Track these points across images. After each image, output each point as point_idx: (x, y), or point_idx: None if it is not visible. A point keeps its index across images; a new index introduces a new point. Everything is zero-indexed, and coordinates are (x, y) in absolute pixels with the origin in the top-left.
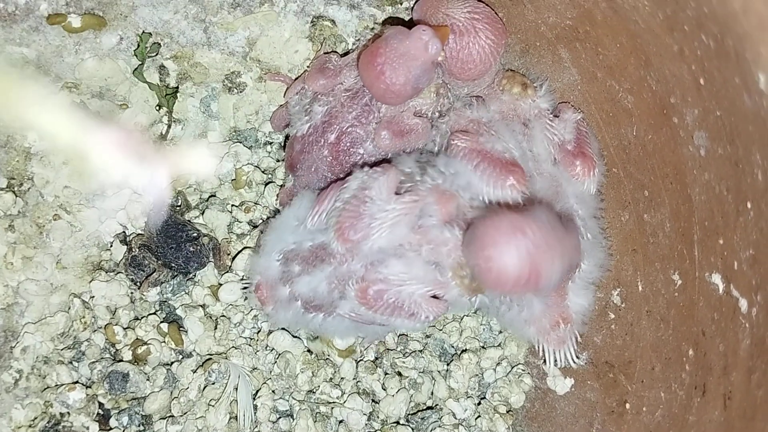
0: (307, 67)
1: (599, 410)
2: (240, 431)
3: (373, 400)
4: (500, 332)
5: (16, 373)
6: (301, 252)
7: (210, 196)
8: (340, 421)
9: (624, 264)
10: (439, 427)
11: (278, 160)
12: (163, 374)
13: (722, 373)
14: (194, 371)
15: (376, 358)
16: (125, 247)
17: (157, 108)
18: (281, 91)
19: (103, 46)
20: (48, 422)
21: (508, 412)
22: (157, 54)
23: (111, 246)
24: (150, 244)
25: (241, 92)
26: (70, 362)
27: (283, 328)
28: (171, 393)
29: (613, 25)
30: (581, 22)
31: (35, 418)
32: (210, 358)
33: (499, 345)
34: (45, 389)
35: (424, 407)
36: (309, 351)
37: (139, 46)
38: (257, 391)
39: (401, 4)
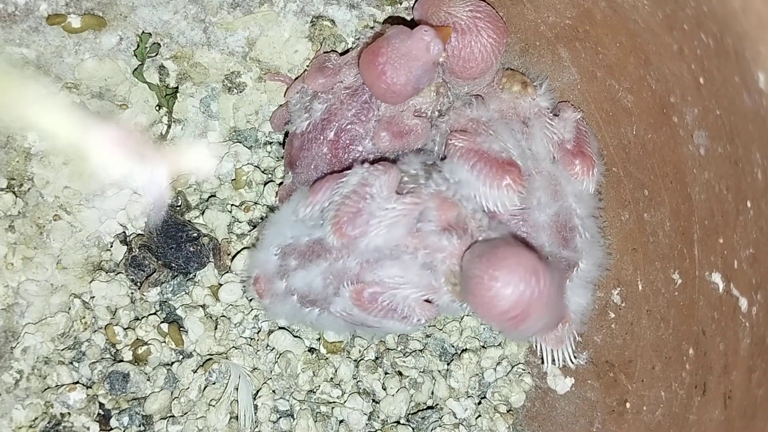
0: (307, 66)
1: (599, 409)
2: (240, 431)
3: (373, 400)
4: (500, 332)
5: (16, 373)
6: (299, 247)
7: (210, 196)
8: (341, 421)
9: (624, 263)
10: (440, 426)
11: (278, 159)
12: (163, 374)
13: (722, 372)
14: (195, 371)
15: (377, 358)
16: (125, 247)
17: (157, 108)
18: (281, 91)
19: (103, 47)
20: (48, 423)
21: (508, 411)
22: (156, 54)
23: (111, 246)
24: (150, 244)
25: (240, 92)
26: (71, 362)
27: (283, 328)
28: (171, 393)
29: (612, 24)
30: (581, 21)
31: (36, 419)
32: (210, 358)
33: (499, 344)
34: (45, 390)
35: (425, 407)
36: (310, 351)
37: (138, 46)
38: (258, 391)
39: (401, 3)
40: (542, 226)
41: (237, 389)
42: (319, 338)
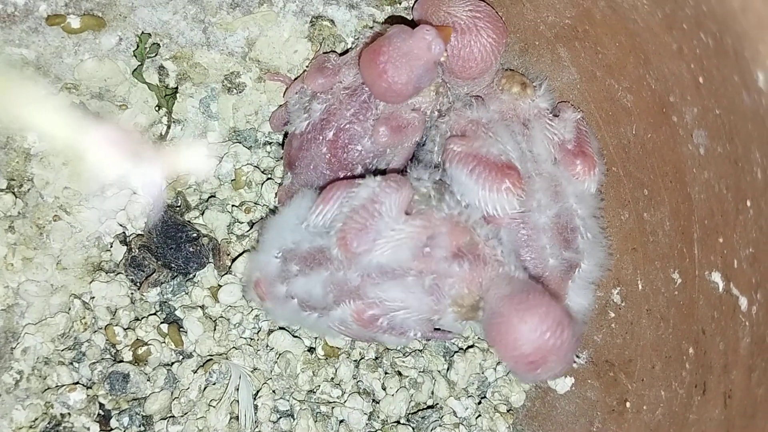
0: (307, 67)
1: (600, 409)
2: (241, 431)
3: (373, 400)
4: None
5: (16, 374)
6: (300, 252)
7: (210, 197)
8: (341, 421)
9: (624, 263)
10: (440, 426)
11: (278, 160)
12: (163, 375)
13: (722, 372)
14: (195, 371)
15: (376, 358)
16: (125, 247)
17: (157, 108)
18: (280, 91)
19: (103, 47)
20: (49, 423)
21: (508, 411)
22: (156, 54)
23: (111, 247)
24: (150, 244)
25: (240, 92)
26: (71, 363)
27: (282, 328)
28: (171, 393)
29: (612, 24)
30: (580, 21)
31: (36, 419)
32: (210, 359)
33: None
34: (45, 390)
35: (425, 406)
36: (309, 351)
37: (138, 46)
38: (258, 391)
39: (400, 3)
40: (543, 228)
41: (237, 389)
42: (317, 337)
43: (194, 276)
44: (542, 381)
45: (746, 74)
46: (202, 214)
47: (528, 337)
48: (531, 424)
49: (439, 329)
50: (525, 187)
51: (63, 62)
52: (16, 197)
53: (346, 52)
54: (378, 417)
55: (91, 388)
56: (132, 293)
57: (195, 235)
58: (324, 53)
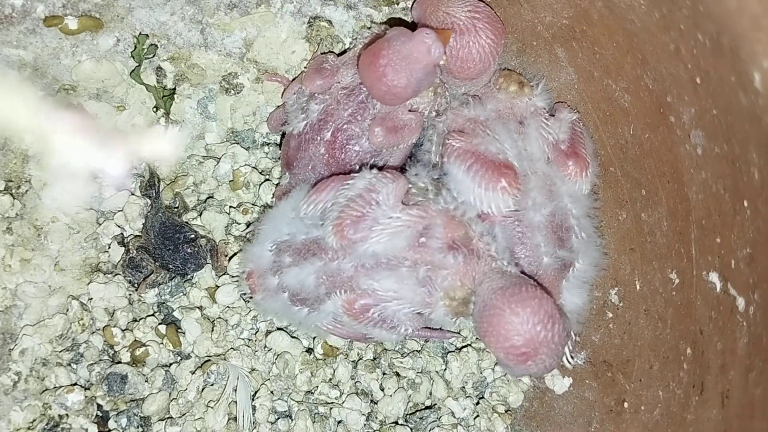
0: (304, 67)
1: (598, 409)
2: None
3: (371, 401)
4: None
5: (14, 375)
6: (294, 244)
7: (208, 198)
8: (339, 422)
9: (622, 263)
10: (438, 426)
11: (276, 160)
12: (161, 375)
13: (720, 372)
14: (193, 372)
15: (374, 359)
16: (123, 248)
17: (155, 109)
18: (278, 92)
19: (100, 48)
20: (47, 424)
21: (506, 411)
22: (154, 55)
23: (109, 248)
24: (147, 245)
25: (238, 93)
26: (69, 364)
27: (281, 329)
28: (169, 394)
29: (609, 24)
30: (578, 21)
31: (34, 420)
32: (209, 360)
33: None
34: (44, 391)
35: (423, 407)
36: (308, 351)
37: (136, 47)
38: (256, 392)
39: (398, 4)
40: (537, 226)
41: (235, 390)
42: (315, 338)
43: (192, 277)
44: (531, 375)
45: (743, 75)
46: (200, 215)
47: (520, 329)
48: (529, 424)
49: (439, 329)
50: (521, 186)
51: (61, 63)
52: (14, 198)
53: (343, 52)
54: (376, 417)
55: (89, 389)
56: (130, 294)
57: (193, 236)
58: (322, 54)
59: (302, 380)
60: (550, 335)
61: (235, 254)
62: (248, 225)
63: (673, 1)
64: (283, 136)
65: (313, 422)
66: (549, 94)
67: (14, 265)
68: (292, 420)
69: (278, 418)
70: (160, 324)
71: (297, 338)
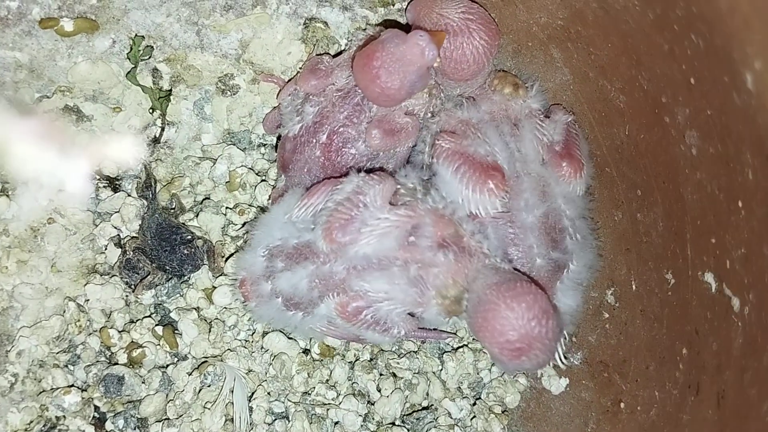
0: (300, 69)
1: (594, 409)
2: None
3: (368, 401)
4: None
5: (11, 376)
6: (286, 249)
7: (204, 199)
8: (336, 423)
9: (618, 263)
10: (435, 427)
11: (272, 161)
12: (158, 377)
13: (716, 372)
14: (189, 374)
15: (371, 359)
16: (120, 250)
17: (151, 111)
18: (274, 93)
19: (96, 50)
20: (44, 426)
21: (503, 412)
22: (150, 57)
23: (106, 249)
24: (144, 246)
25: (234, 94)
26: (66, 366)
27: (277, 330)
28: (166, 396)
29: (604, 25)
30: (573, 22)
31: (31, 422)
32: (205, 361)
33: None
34: (41, 393)
35: (420, 408)
36: (304, 352)
37: (131, 49)
38: (253, 393)
39: (393, 5)
40: (530, 227)
41: (232, 391)
42: (312, 338)
43: (189, 278)
44: (525, 371)
45: (736, 75)
46: (197, 216)
47: (514, 324)
48: (526, 424)
49: (434, 330)
50: (509, 189)
51: (56, 65)
52: (11, 200)
53: (339, 54)
54: (373, 418)
55: (86, 390)
56: (127, 296)
57: (189, 237)
58: (317, 55)
59: (299, 381)
60: (545, 331)
61: (231, 255)
62: (244, 224)
63: (666, 2)
64: (279, 138)
65: (310, 423)
66: (544, 95)
67: (11, 267)
68: (289, 421)
69: (275, 419)
70: (156, 325)
71: (293, 339)
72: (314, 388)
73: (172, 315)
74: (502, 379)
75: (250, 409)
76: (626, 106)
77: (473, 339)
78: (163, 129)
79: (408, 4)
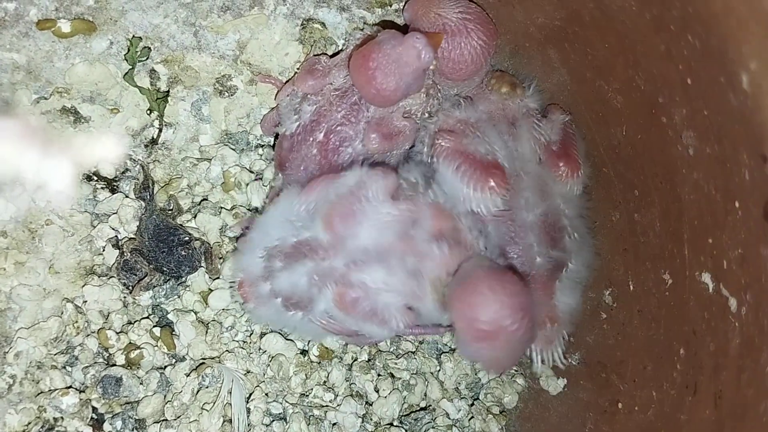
0: (297, 69)
1: (592, 410)
2: None
3: (366, 402)
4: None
5: (9, 378)
6: (285, 248)
7: (202, 200)
8: (334, 424)
9: (615, 263)
10: (433, 428)
11: (270, 162)
12: (156, 378)
13: (713, 372)
14: (187, 375)
15: (369, 360)
16: (117, 251)
17: (148, 112)
18: (272, 94)
19: (94, 51)
20: (42, 427)
21: (501, 412)
22: (147, 58)
23: (103, 250)
24: (141, 248)
25: (232, 95)
26: (64, 367)
27: (275, 331)
28: (164, 397)
29: (601, 25)
30: (570, 22)
31: (29, 423)
32: (203, 362)
33: None
34: (38, 394)
35: (418, 408)
36: (302, 353)
37: (129, 50)
38: (250, 395)
39: (390, 6)
40: (530, 225)
41: (230, 393)
42: (310, 340)
43: (186, 280)
44: (479, 362)
45: (732, 76)
46: (195, 217)
47: (490, 305)
48: (524, 425)
49: (432, 325)
50: (510, 187)
51: (54, 66)
52: (8, 201)
53: (336, 54)
54: (371, 419)
55: (84, 391)
56: (124, 297)
57: (187, 238)
58: (315, 56)
59: (296, 382)
60: (516, 326)
61: (230, 252)
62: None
63: (663, 2)
64: (276, 137)
65: (308, 424)
66: (541, 95)
67: (8, 268)
68: (286, 422)
69: (273, 421)
70: (154, 327)
71: (291, 340)
72: (312, 390)
73: (170, 316)
74: (500, 379)
75: (248, 411)
76: (623, 106)
77: None
78: (160, 130)
79: (405, 3)
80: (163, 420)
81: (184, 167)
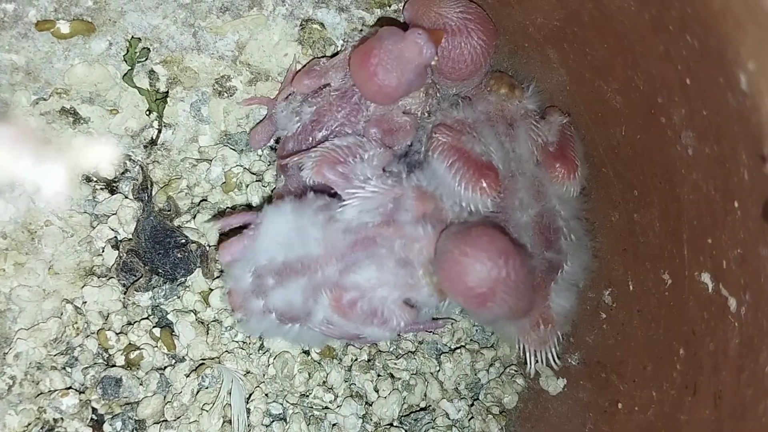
0: (296, 71)
1: (592, 410)
2: None
3: (366, 402)
4: (492, 333)
5: (9, 379)
6: (274, 267)
7: (201, 201)
8: (334, 424)
9: (615, 264)
10: (433, 428)
11: (270, 163)
12: (156, 379)
13: (712, 372)
14: (187, 376)
15: (369, 360)
16: (117, 252)
17: (148, 113)
18: (271, 95)
19: (93, 52)
20: (42, 428)
21: (501, 412)
22: (146, 59)
23: (103, 251)
24: (138, 249)
25: (231, 96)
26: (63, 368)
27: None
28: (164, 397)
29: (600, 26)
30: (569, 23)
31: (29, 424)
32: (203, 363)
33: (491, 346)
34: (38, 395)
35: (417, 408)
36: (305, 352)
37: (128, 51)
38: (250, 395)
39: (390, 6)
40: (524, 226)
41: (230, 393)
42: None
43: (185, 280)
44: (498, 318)
45: (730, 76)
46: (194, 218)
47: (471, 269)
48: (524, 425)
49: (432, 320)
50: (502, 190)
51: (53, 67)
52: (7, 202)
53: (335, 55)
54: (371, 419)
55: (83, 392)
56: (124, 298)
57: (183, 241)
58: (315, 59)
59: (300, 381)
60: (505, 272)
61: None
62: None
63: (662, 3)
64: (278, 141)
65: (308, 424)
66: (539, 96)
67: (8, 269)
68: (286, 423)
69: (273, 421)
70: (154, 327)
71: None
72: (312, 390)
73: (170, 317)
74: (499, 379)
75: (248, 411)
76: (622, 106)
77: (471, 339)
78: (159, 131)
79: (405, 2)
80: (162, 420)
81: (183, 168)
